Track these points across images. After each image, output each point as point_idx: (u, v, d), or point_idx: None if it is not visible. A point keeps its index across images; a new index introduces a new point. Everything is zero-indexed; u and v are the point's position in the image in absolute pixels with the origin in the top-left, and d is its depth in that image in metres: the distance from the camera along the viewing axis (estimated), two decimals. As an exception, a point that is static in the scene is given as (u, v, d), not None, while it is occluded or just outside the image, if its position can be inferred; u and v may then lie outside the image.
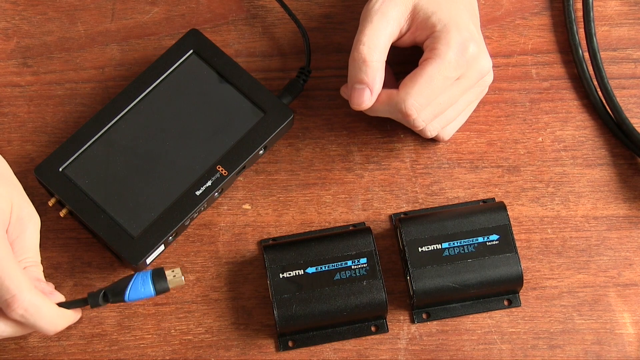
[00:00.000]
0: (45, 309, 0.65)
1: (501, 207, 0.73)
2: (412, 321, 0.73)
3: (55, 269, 0.72)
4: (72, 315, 0.68)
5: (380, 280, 0.71)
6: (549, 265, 0.75)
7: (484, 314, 0.74)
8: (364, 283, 0.71)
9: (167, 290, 0.67)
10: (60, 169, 0.73)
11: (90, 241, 0.75)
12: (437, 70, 0.70)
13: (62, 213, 0.73)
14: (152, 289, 0.66)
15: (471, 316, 0.74)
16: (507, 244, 0.72)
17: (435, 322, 0.74)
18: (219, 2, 0.83)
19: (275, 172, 0.77)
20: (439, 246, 0.72)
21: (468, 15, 0.73)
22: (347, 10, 0.83)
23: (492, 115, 0.80)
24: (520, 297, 0.74)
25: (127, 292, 0.66)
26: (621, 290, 0.75)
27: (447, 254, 0.72)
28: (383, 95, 0.72)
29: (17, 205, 0.68)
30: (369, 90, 0.72)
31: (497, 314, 0.74)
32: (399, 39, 0.74)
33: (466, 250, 0.72)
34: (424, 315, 0.73)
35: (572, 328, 0.74)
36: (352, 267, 0.71)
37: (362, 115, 0.79)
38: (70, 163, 0.73)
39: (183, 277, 0.67)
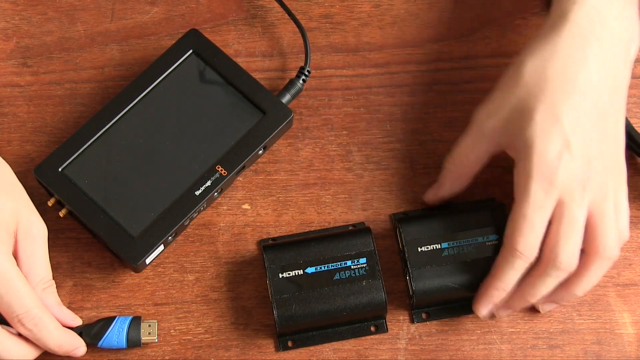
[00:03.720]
0: (53, 327, 0.68)
1: (501, 207, 0.73)
2: (412, 321, 0.73)
3: (55, 269, 0.72)
4: (76, 340, 0.70)
5: (380, 280, 0.71)
6: (548, 265, 0.75)
7: (484, 314, 0.74)
8: (364, 283, 0.71)
9: (138, 346, 0.71)
10: (60, 169, 0.73)
11: (90, 241, 0.75)
12: (519, 207, 0.69)
13: (62, 213, 0.73)
14: (125, 342, 0.71)
15: (471, 316, 0.74)
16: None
17: (435, 322, 0.74)
18: (219, 2, 0.83)
19: (275, 172, 0.77)
20: (438, 246, 0.72)
21: (574, 117, 0.69)
22: (347, 10, 0.83)
23: (492, 115, 0.79)
24: (520, 297, 0.74)
25: (102, 341, 0.70)
26: (621, 290, 0.75)
27: (447, 253, 0.72)
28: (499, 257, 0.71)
29: (24, 220, 0.69)
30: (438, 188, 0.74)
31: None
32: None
33: (466, 250, 0.71)
34: (424, 315, 0.73)
35: (572, 328, 0.74)
36: (352, 267, 0.71)
37: (362, 115, 0.79)
38: (70, 163, 0.73)
39: (157, 337, 0.71)
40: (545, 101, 0.67)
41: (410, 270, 0.71)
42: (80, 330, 0.70)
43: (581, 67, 0.68)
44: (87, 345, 0.70)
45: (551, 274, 0.67)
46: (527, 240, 0.67)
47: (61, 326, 0.69)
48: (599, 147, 0.68)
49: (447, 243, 0.72)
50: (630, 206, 0.77)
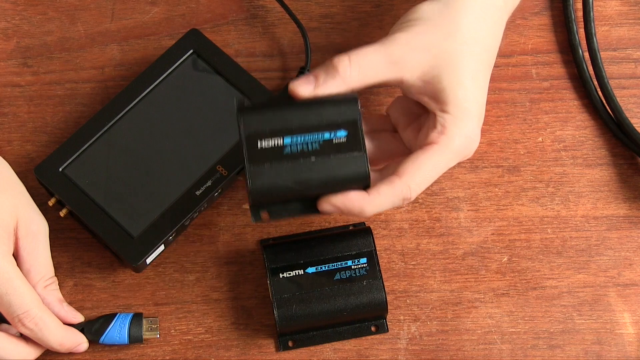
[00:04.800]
0: (53, 326, 0.68)
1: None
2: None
3: (55, 269, 0.72)
4: (78, 337, 0.70)
5: (380, 280, 0.71)
6: (549, 265, 0.75)
7: (484, 314, 0.74)
8: (364, 283, 0.71)
9: (140, 342, 0.71)
10: (60, 169, 0.73)
11: (90, 241, 0.75)
12: (444, 161, 0.65)
13: (62, 213, 0.73)
14: (126, 338, 0.71)
15: (471, 316, 0.74)
16: None
17: (435, 322, 0.74)
18: (219, 2, 0.83)
19: (275, 172, 0.77)
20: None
21: (485, 84, 0.67)
22: (347, 10, 0.83)
23: (492, 115, 0.80)
24: (520, 296, 0.74)
25: (103, 337, 0.71)
26: (621, 290, 0.75)
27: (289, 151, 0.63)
28: (384, 186, 0.64)
29: (24, 218, 0.69)
30: (313, 81, 0.64)
31: (497, 314, 0.74)
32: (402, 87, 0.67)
33: (311, 148, 0.63)
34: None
35: (572, 328, 0.74)
36: (352, 267, 0.71)
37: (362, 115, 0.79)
38: (70, 163, 0.73)
39: (158, 333, 0.72)
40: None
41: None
42: (82, 327, 0.70)
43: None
44: (89, 341, 0.70)
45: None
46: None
47: (62, 324, 0.69)
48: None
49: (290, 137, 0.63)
50: (630, 206, 0.77)
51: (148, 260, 0.72)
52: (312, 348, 0.73)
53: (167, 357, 0.72)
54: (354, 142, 0.63)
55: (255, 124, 0.61)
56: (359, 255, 0.72)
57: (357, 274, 0.71)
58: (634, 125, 0.78)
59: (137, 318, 0.71)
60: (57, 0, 0.82)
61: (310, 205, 0.63)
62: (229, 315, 0.73)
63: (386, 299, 0.71)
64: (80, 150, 0.73)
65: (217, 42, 0.78)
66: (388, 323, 0.73)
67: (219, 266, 0.75)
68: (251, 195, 0.61)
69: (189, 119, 0.75)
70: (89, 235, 0.75)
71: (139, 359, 0.72)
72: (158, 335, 0.72)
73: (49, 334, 0.68)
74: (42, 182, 0.72)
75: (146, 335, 0.71)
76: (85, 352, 0.71)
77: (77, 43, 0.81)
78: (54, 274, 0.70)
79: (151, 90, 0.76)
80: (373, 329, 0.73)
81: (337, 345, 0.73)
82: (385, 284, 0.71)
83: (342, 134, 0.62)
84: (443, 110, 0.65)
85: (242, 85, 0.76)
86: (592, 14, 0.81)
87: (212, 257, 0.75)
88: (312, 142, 0.62)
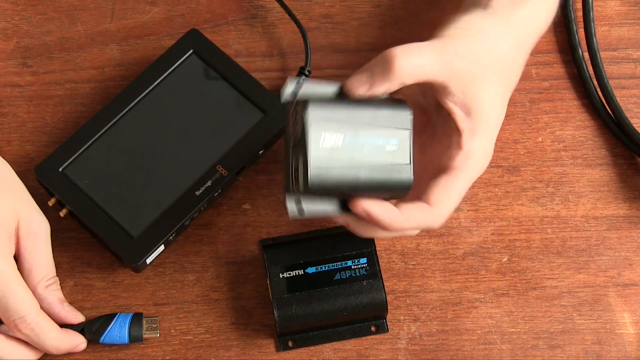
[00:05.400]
0: (50, 330, 0.68)
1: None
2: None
3: (55, 268, 0.72)
4: (75, 338, 0.70)
5: (380, 280, 0.71)
6: (549, 265, 0.75)
7: (484, 314, 0.74)
8: (364, 283, 0.71)
9: (140, 341, 0.71)
10: (60, 169, 0.73)
11: (90, 241, 0.75)
12: (469, 183, 0.65)
13: (62, 213, 0.73)
14: (127, 338, 0.71)
15: (471, 316, 0.74)
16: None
17: (435, 322, 0.74)
18: (219, 2, 0.83)
19: (275, 172, 0.77)
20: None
21: (505, 107, 0.67)
22: (347, 10, 0.83)
23: (492, 115, 0.80)
24: (520, 296, 0.74)
25: (103, 337, 0.71)
26: (621, 290, 0.75)
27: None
28: (416, 210, 0.64)
29: (25, 217, 0.69)
30: (368, 85, 0.63)
31: (497, 314, 0.74)
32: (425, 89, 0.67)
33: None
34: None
35: (572, 328, 0.74)
36: (352, 267, 0.71)
37: (362, 115, 0.79)
38: (70, 163, 0.73)
39: (159, 332, 0.72)
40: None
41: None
42: (81, 327, 0.70)
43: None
44: (89, 341, 0.70)
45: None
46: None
47: (59, 328, 0.69)
48: None
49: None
50: (630, 206, 0.77)
51: (148, 260, 0.72)
52: (312, 348, 0.73)
53: (167, 357, 0.72)
54: (403, 151, 0.63)
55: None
56: (359, 255, 0.72)
57: (357, 274, 0.71)
58: (634, 125, 0.78)
59: (137, 318, 0.71)
60: (57, 0, 0.82)
61: (343, 205, 0.64)
62: (229, 315, 0.73)
63: (386, 299, 0.71)
64: (80, 150, 0.73)
65: (217, 42, 0.78)
66: (388, 323, 0.73)
67: (219, 266, 0.75)
68: (309, 177, 0.61)
69: (188, 119, 0.75)
70: (89, 235, 0.75)
71: (139, 359, 0.72)
72: (158, 335, 0.72)
73: (46, 338, 0.68)
74: (42, 182, 0.72)
75: (146, 334, 0.71)
76: (86, 352, 0.71)
77: (77, 43, 0.81)
78: (55, 274, 0.70)
79: (151, 90, 0.76)
80: (373, 329, 0.73)
81: (337, 345, 0.73)
82: (385, 284, 0.71)
83: (394, 142, 0.63)
84: (474, 129, 0.64)
85: (242, 85, 0.76)
86: (592, 14, 0.81)
87: (212, 257, 0.75)
88: (368, 145, 0.63)
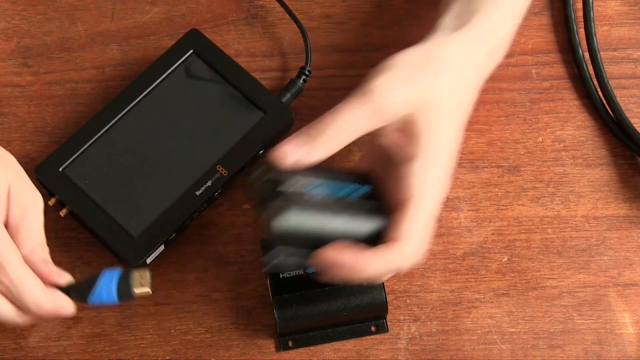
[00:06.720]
0: (31, 284, 0.63)
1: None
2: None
3: (55, 269, 0.72)
4: (60, 298, 0.65)
5: (380, 280, 0.71)
6: (549, 265, 0.75)
7: (484, 314, 0.74)
8: (364, 283, 0.71)
9: (131, 299, 0.65)
10: (60, 169, 0.73)
11: (90, 241, 0.75)
12: (428, 212, 0.63)
13: (62, 213, 0.73)
14: (115, 295, 0.65)
15: (471, 316, 0.74)
16: None
17: (435, 322, 0.73)
18: (219, 2, 0.83)
19: (275, 172, 0.77)
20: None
21: (457, 137, 0.66)
22: (347, 10, 0.83)
23: (492, 115, 0.80)
24: (521, 296, 0.74)
25: (91, 296, 0.65)
26: (621, 290, 0.75)
27: None
28: (377, 255, 0.62)
29: (16, 187, 0.66)
30: (301, 146, 0.63)
31: (497, 314, 0.74)
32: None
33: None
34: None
35: (572, 328, 0.74)
36: (352, 267, 0.71)
37: (362, 115, 0.79)
38: (70, 163, 0.73)
39: (150, 288, 0.65)
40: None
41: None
42: (67, 290, 0.65)
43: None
44: (77, 304, 0.65)
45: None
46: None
47: (43, 285, 0.64)
48: None
49: None
50: (630, 206, 0.77)
51: (148, 260, 0.72)
52: (312, 348, 0.73)
53: (167, 357, 0.72)
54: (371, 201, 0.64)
55: None
56: (359, 255, 0.72)
57: (357, 274, 0.71)
58: (634, 125, 0.78)
59: (125, 272, 0.64)
60: (57, 0, 0.82)
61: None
62: (229, 315, 0.73)
63: (386, 299, 0.71)
64: (81, 150, 0.73)
65: (217, 42, 0.78)
66: (388, 323, 0.73)
67: (219, 266, 0.75)
68: (278, 224, 0.61)
69: (189, 119, 0.75)
70: (89, 235, 0.75)
71: (139, 359, 0.72)
72: (150, 291, 0.65)
73: (25, 290, 0.63)
74: (42, 182, 0.73)
75: (137, 291, 0.64)
76: (86, 352, 0.71)
77: (77, 43, 0.81)
78: (45, 243, 0.66)
79: (151, 90, 0.76)
80: (373, 329, 0.73)
81: (337, 345, 0.73)
82: (385, 283, 0.71)
83: (357, 193, 0.64)
84: (412, 155, 0.63)
85: (242, 85, 0.76)
86: (592, 14, 0.81)
87: (212, 257, 0.75)
88: (333, 195, 0.63)
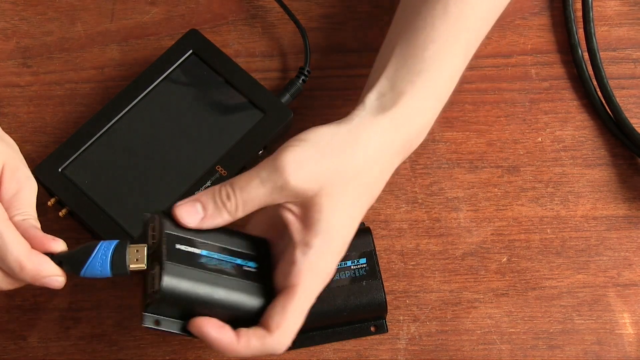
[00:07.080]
0: (14, 241, 0.60)
1: None
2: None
3: (55, 269, 0.72)
4: (46, 263, 0.61)
5: (380, 280, 0.71)
6: (548, 266, 0.75)
7: (484, 314, 0.74)
8: (364, 283, 0.71)
9: (126, 274, 0.61)
10: (60, 169, 0.73)
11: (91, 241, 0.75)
12: (309, 302, 0.63)
13: (62, 213, 0.73)
14: (109, 269, 0.61)
15: (471, 316, 0.74)
16: None
17: (434, 323, 0.74)
18: (219, 2, 0.83)
19: (275, 172, 0.77)
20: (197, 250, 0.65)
21: (356, 224, 0.65)
22: (347, 10, 0.83)
23: (492, 115, 0.80)
24: (520, 297, 0.74)
25: (84, 269, 0.61)
26: (621, 290, 0.75)
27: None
28: (255, 340, 0.61)
29: (11, 164, 0.64)
30: (201, 212, 0.63)
31: (496, 314, 0.74)
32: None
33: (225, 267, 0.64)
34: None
35: (572, 328, 0.74)
36: (352, 267, 0.71)
37: (361, 116, 0.79)
38: (70, 163, 0.73)
39: (146, 263, 0.61)
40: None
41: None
42: (59, 260, 0.61)
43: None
44: (69, 275, 0.62)
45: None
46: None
47: (28, 246, 0.61)
48: None
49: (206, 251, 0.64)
50: (630, 206, 0.77)
51: (148, 261, 0.72)
52: (312, 348, 0.73)
53: (167, 357, 0.72)
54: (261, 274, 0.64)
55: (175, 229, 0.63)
56: (358, 256, 0.72)
57: (357, 274, 0.71)
58: (633, 125, 0.78)
59: (121, 246, 0.61)
60: (57, 0, 0.82)
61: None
62: (229, 316, 0.73)
63: (386, 299, 0.71)
64: (80, 151, 0.73)
65: (217, 42, 0.78)
66: (387, 323, 0.73)
67: (218, 266, 0.75)
68: (162, 290, 0.60)
69: (188, 119, 0.75)
70: (89, 235, 0.75)
71: (139, 359, 0.72)
72: (145, 267, 0.61)
73: (7, 246, 0.60)
74: (42, 182, 0.72)
75: (132, 266, 0.61)
76: (85, 352, 0.71)
77: (77, 43, 0.81)
78: (36, 217, 0.63)
79: (151, 90, 0.76)
80: (373, 329, 0.73)
81: (337, 345, 0.73)
82: (384, 284, 0.71)
83: (252, 265, 0.64)
84: (309, 241, 0.62)
85: (241, 85, 0.76)
86: (591, 14, 0.81)
87: (211, 257, 0.75)
88: (227, 262, 0.63)
